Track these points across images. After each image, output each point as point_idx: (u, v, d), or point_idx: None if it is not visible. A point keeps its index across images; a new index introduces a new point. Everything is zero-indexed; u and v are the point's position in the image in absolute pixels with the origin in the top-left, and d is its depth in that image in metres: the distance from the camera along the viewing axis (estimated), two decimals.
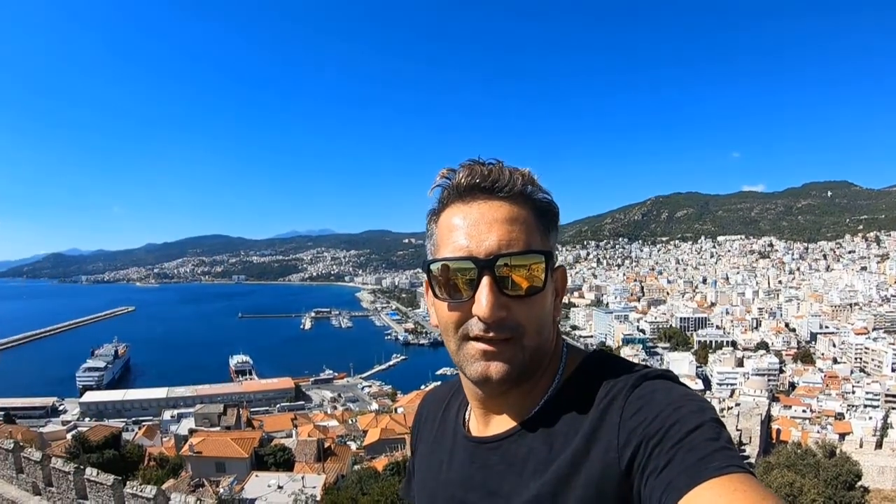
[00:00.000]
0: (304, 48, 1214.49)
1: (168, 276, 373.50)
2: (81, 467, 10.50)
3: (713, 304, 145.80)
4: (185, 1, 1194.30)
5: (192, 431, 32.75)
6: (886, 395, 71.05)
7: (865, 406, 67.32)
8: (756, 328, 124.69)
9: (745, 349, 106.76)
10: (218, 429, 34.72)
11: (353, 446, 34.07)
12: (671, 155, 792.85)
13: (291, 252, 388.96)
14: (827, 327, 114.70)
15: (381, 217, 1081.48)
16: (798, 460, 20.31)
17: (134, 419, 65.33)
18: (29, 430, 33.13)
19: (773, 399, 63.76)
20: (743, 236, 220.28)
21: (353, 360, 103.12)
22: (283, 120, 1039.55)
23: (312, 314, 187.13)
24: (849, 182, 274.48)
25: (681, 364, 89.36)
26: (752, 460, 29.12)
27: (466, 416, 1.03)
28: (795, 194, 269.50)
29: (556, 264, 0.88)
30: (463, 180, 0.85)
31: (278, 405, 73.76)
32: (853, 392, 74.36)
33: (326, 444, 30.34)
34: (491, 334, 0.80)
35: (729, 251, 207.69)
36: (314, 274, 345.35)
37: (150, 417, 61.96)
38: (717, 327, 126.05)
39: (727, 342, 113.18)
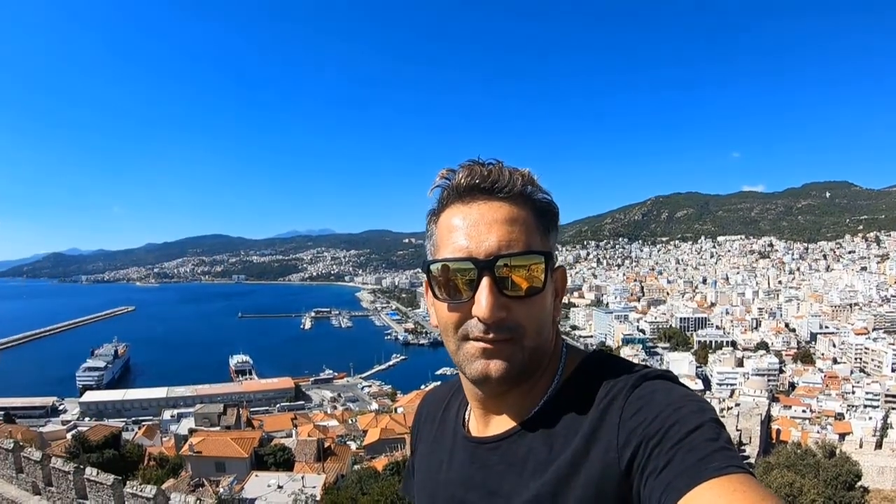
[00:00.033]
0: (304, 48, 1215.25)
1: (168, 276, 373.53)
2: (81, 467, 10.51)
3: (713, 305, 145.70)
4: (185, 1, 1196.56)
5: (191, 431, 32.75)
6: (886, 396, 71.03)
7: (865, 406, 67.28)
8: (756, 328, 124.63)
9: (744, 349, 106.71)
10: (218, 429, 34.73)
11: (353, 446, 34.07)
12: (671, 155, 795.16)
13: (291, 252, 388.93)
14: (827, 327, 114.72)
15: (381, 217, 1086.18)
16: (798, 460, 20.30)
17: (134, 419, 65.37)
18: (29, 429, 33.23)
19: (773, 399, 63.66)
20: (743, 236, 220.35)
21: (352, 360, 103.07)
22: (283, 120, 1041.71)
23: (312, 314, 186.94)
24: (849, 182, 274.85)
25: (681, 364, 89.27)
26: (752, 460, 29.06)
27: (466, 416, 1.04)
28: (795, 194, 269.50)
29: (556, 265, 0.88)
30: (463, 181, 0.85)
31: (278, 405, 73.80)
32: (853, 392, 74.39)
33: (326, 444, 30.27)
34: (491, 335, 0.80)
35: (729, 251, 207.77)
36: (314, 274, 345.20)
37: (150, 417, 61.96)
38: (717, 327, 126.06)
39: (727, 342, 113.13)
